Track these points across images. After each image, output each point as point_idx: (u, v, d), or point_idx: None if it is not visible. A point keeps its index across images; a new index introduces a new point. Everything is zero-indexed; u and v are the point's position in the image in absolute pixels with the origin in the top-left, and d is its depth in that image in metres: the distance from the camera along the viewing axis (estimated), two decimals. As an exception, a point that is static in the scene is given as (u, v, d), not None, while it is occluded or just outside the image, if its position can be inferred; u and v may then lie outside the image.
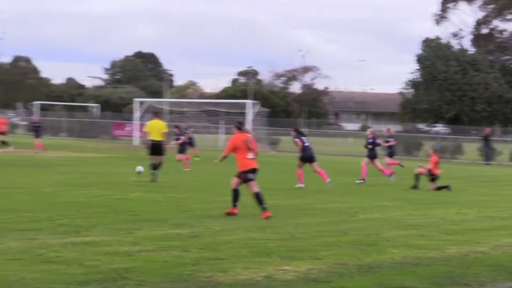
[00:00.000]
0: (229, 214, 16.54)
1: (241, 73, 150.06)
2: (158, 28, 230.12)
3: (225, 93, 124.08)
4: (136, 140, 66.09)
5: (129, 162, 36.79)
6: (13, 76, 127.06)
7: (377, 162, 29.65)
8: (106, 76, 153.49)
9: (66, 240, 12.29)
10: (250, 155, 16.69)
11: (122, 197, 19.72)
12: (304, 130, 35.38)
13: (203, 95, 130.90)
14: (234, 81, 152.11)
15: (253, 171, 16.67)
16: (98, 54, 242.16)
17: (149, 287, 9.29)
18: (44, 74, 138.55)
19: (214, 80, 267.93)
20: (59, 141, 52.70)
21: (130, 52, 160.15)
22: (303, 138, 25.84)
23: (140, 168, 26.24)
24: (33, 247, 11.47)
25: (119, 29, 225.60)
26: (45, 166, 31.06)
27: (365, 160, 29.51)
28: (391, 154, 33.46)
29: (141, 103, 69.89)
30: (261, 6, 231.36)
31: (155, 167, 25.10)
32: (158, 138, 25.22)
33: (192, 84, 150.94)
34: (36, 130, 43.83)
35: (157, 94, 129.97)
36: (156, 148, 25.17)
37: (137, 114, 67.60)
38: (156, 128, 25.39)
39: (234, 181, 16.83)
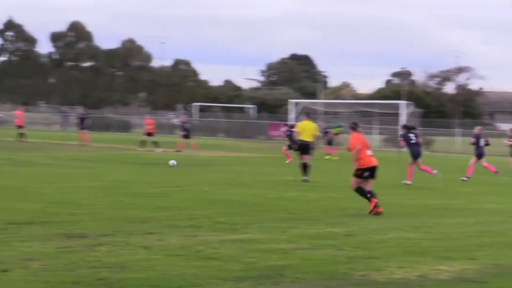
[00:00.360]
0: (375, 213, 16.33)
1: (394, 74, 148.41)
2: (313, 31, 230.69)
3: (379, 94, 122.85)
4: (291, 140, 66.47)
5: (284, 162, 37.06)
6: (174, 78, 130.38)
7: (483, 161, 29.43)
8: (262, 78, 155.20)
9: (224, 237, 12.49)
10: (369, 152, 17.05)
11: (278, 196, 19.87)
12: (455, 129, 34.61)
13: (357, 96, 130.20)
14: (388, 82, 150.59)
15: (372, 169, 16.91)
16: (255, 57, 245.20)
17: (304, 284, 9.31)
18: (202, 76, 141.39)
19: (368, 81, 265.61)
20: (217, 141, 53.78)
21: (285, 54, 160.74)
22: (410, 135, 25.97)
23: (172, 162, 29.68)
24: (192, 244, 11.71)
25: (275, 32, 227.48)
26: (203, 165, 31.70)
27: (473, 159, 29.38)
28: None
29: (296, 104, 70.28)
30: (414, 7, 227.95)
31: (305, 167, 25.17)
32: (308, 138, 25.43)
33: (346, 85, 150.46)
34: (186, 130, 44.81)
35: (311, 95, 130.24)
36: (305, 148, 25.37)
37: (292, 115, 68.06)
38: (308, 129, 25.64)
39: (353, 181, 17.01)
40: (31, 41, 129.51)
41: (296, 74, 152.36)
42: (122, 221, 13.76)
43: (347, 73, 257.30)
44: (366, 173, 16.86)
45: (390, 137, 65.00)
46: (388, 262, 10.84)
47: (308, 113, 27.13)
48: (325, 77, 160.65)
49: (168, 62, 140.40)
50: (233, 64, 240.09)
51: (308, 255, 11.12)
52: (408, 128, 26.61)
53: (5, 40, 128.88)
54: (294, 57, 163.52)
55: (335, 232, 13.54)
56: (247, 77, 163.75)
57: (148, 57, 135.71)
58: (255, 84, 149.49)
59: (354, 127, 17.72)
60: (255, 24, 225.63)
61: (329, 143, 41.65)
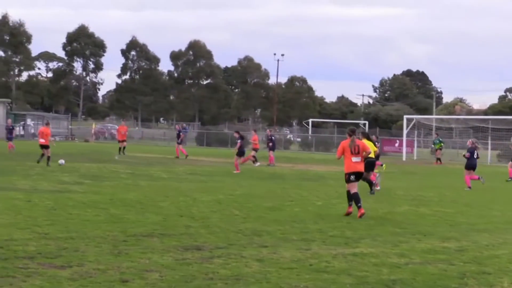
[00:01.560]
0: (347, 214, 17.77)
1: (509, 90, 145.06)
2: (428, 47, 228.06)
3: (493, 110, 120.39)
4: (405, 155, 65.73)
5: (397, 176, 36.70)
6: (289, 95, 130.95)
7: None
8: (375, 94, 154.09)
9: (336, 251, 12.44)
10: (354, 159, 17.92)
11: (389, 210, 19.68)
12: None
13: (470, 112, 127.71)
14: (502, 97, 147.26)
15: (356, 174, 17.89)
16: (369, 73, 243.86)
17: (415, 299, 9.18)
18: (317, 92, 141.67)
19: (482, 96, 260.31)
20: (330, 156, 53.68)
21: (399, 70, 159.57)
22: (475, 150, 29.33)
23: (61, 161, 33.53)
24: (305, 257, 11.70)
25: (390, 49, 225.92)
26: (316, 179, 31.66)
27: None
28: None
29: (409, 120, 69.44)
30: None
31: (369, 183, 25.17)
32: (372, 156, 25.24)
33: (459, 100, 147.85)
34: (272, 142, 44.68)
35: (425, 111, 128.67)
36: (370, 165, 25.31)
37: (405, 131, 67.28)
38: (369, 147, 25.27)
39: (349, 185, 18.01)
40: (153, 60, 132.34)
41: (409, 90, 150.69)
42: (236, 234, 13.87)
43: (462, 89, 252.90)
44: (352, 176, 17.95)
45: (504, 152, 63.43)
46: (502, 278, 10.59)
47: (365, 133, 27.25)
48: (439, 92, 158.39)
49: (283, 79, 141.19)
50: (347, 80, 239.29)
51: (420, 269, 10.96)
52: (472, 143, 27.25)
53: (127, 59, 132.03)
54: (408, 73, 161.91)
55: (446, 246, 13.31)
56: (361, 94, 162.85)
57: (264, 74, 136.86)
58: (368, 100, 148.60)
59: (350, 134, 18.23)
60: (370, 41, 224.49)
61: None
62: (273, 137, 45.06)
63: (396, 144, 72.25)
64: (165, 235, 13.43)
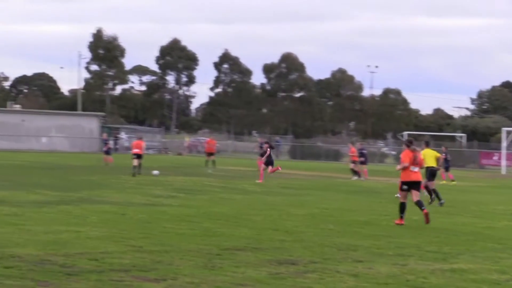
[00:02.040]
0: (398, 224, 18.32)
1: None
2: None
3: None
4: (504, 169, 64.40)
5: (496, 190, 36.00)
6: (383, 107, 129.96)
7: None
8: (472, 106, 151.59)
9: (434, 266, 12.28)
10: (412, 168, 18.75)
11: (488, 225, 19.33)
12: None
13: None
14: None
15: (411, 183, 18.72)
16: (465, 85, 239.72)
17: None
18: (412, 105, 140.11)
19: None
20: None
21: (497, 82, 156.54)
22: None
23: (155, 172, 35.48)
24: (401, 273, 11.59)
25: (486, 60, 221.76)
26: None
27: None
28: None
29: (509, 132, 68.03)
30: None
31: (435, 192, 26.12)
32: (434, 164, 26.93)
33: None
34: (364, 156, 43.82)
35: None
36: (433, 174, 26.84)
37: (504, 143, 65.94)
38: (430, 156, 26.85)
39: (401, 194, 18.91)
40: (246, 73, 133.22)
41: (509, 102, 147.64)
42: (331, 249, 13.83)
43: None
44: (405, 186, 18.77)
45: None
46: None
47: (427, 142, 28.62)
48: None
49: (377, 92, 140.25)
50: (443, 92, 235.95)
51: (522, 287, 10.73)
52: None
53: (220, 72, 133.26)
54: (508, 85, 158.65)
55: (549, 264, 12.98)
56: (458, 106, 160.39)
57: (358, 87, 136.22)
58: (466, 113, 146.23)
59: (408, 145, 19.29)
60: (466, 52, 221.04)
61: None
62: (364, 151, 44.62)
63: (495, 157, 70.89)
64: (259, 249, 13.49)
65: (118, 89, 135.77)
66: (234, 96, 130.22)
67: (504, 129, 69.40)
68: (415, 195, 18.80)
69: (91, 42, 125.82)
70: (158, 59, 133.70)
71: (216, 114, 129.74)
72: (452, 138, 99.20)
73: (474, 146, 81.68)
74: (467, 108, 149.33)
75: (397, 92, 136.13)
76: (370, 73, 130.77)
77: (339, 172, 49.37)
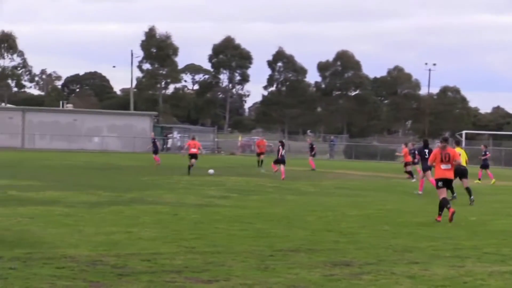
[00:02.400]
0: (437, 220, 19.12)
1: None
2: None
3: None
4: None
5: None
6: (441, 106, 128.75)
7: None
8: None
9: (492, 268, 12.17)
10: (443, 166, 19.64)
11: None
12: None
13: None
14: None
15: (444, 180, 19.61)
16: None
17: None
18: (471, 103, 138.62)
19: None
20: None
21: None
22: None
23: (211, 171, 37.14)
24: (459, 275, 11.51)
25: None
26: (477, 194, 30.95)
27: None
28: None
29: None
30: None
31: (468, 190, 26.79)
32: (464, 164, 27.35)
33: None
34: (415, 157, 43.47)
35: None
36: (462, 173, 26.77)
37: None
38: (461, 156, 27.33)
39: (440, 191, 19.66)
40: (300, 71, 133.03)
41: None
42: (386, 250, 13.79)
43: None
44: (440, 183, 19.63)
45: None
46: None
47: (458, 141, 31.01)
48: None
49: (435, 90, 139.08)
50: (503, 90, 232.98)
51: None
52: None
53: (274, 70, 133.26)
54: None
55: None
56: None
57: (415, 85, 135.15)
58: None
59: (442, 142, 20.33)
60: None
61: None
62: (415, 151, 44.06)
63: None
64: (313, 250, 13.50)
65: (171, 88, 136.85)
66: (288, 95, 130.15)
67: None
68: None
69: (143, 41, 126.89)
70: (211, 58, 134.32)
71: (269, 113, 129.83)
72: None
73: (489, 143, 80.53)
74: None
75: (456, 90, 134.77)
76: (428, 71, 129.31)
77: (394, 172, 48.98)
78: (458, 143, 29.45)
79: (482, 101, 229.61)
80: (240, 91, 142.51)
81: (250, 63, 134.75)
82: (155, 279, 10.46)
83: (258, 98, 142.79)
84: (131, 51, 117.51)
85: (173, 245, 13.50)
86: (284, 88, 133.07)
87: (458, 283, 10.84)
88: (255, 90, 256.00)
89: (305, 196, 26.82)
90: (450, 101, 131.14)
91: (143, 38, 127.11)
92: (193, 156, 38.75)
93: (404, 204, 24.59)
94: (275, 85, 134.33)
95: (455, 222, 19.24)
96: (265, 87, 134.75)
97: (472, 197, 26.16)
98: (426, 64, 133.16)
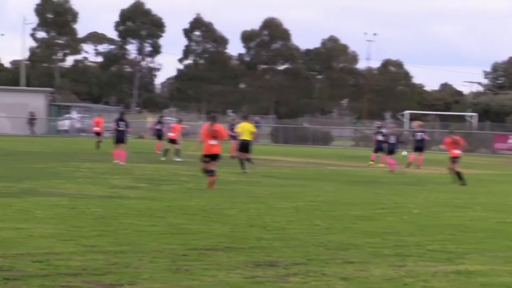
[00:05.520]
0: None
1: None
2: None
3: None
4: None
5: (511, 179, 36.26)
6: (382, 82, 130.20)
7: None
8: (486, 81, 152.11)
9: (436, 268, 12.36)
10: (212, 142, 25.27)
11: (502, 220, 19.46)
12: None
13: None
14: None
15: (210, 156, 25.33)
16: (478, 56, 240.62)
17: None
18: (416, 79, 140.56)
19: None
20: (431, 155, 53.05)
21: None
22: None
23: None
24: (399, 276, 11.66)
25: (504, 28, 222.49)
26: (411, 183, 31.46)
27: None
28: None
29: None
30: None
31: (242, 162, 33.53)
32: (248, 137, 34.09)
33: None
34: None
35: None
36: (246, 146, 33.90)
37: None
38: (247, 129, 34.10)
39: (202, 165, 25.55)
40: (221, 41, 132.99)
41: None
42: (317, 248, 13.90)
43: None
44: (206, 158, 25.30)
45: None
46: None
47: (246, 116, 37.62)
48: None
49: (376, 64, 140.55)
50: (452, 65, 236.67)
51: (537, 292, 10.84)
52: None
53: (191, 40, 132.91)
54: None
55: None
56: (469, 81, 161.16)
57: (353, 58, 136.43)
58: (478, 88, 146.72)
59: (210, 119, 26.47)
60: (480, 17, 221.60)
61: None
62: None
63: (510, 141, 71.30)
64: (233, 248, 13.53)
65: (70, 61, 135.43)
66: (207, 69, 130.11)
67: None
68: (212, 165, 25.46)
69: (38, 5, 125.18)
70: (117, 25, 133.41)
71: (185, 90, 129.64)
72: (461, 118, 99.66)
73: (486, 128, 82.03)
74: (479, 83, 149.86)
75: (399, 64, 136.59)
76: (367, 42, 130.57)
77: (329, 158, 49.51)
78: (245, 118, 36.38)
79: (428, 77, 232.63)
80: (150, 64, 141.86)
81: (163, 31, 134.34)
82: (48, 283, 10.35)
83: (172, 73, 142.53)
84: (23, 16, 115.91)
85: (70, 244, 13.38)
86: (202, 61, 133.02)
87: (398, 285, 10.99)
88: (168, 63, 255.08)
89: (226, 186, 26.84)
90: (393, 77, 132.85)
91: (38, 1, 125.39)
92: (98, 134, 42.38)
93: (339, 195, 24.81)
94: (191, 58, 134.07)
95: (396, 215, 19.52)
96: (180, 60, 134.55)
97: (244, 170, 32.88)
98: (365, 34, 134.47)
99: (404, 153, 42.36)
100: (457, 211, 21.15)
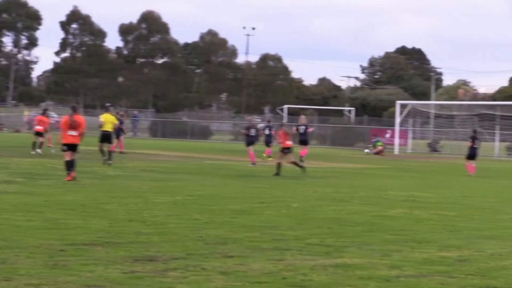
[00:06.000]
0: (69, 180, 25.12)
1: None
2: (426, 20, 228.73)
3: (502, 94, 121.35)
4: (397, 148, 66.06)
5: (388, 173, 36.93)
6: (261, 76, 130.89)
7: None
8: (363, 76, 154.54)
9: (315, 262, 12.47)
10: (72, 132, 25.69)
11: (380, 213, 19.77)
12: None
13: (475, 97, 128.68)
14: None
15: (69, 145, 25.64)
16: (356, 51, 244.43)
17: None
18: (294, 74, 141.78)
19: (489, 78, 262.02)
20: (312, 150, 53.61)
21: (391, 48, 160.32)
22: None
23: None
24: (278, 270, 11.72)
25: (381, 23, 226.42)
26: (292, 177, 31.72)
27: None
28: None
29: (404, 106, 69.80)
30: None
31: (103, 153, 34.70)
32: (109, 129, 35.09)
33: (463, 83, 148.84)
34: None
35: (422, 95, 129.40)
36: (107, 138, 34.92)
37: (398, 119, 67.60)
38: (109, 121, 35.19)
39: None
40: (99, 34, 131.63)
41: (404, 71, 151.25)
42: (196, 243, 13.88)
43: (466, 70, 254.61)
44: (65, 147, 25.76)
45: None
46: (510, 292, 10.72)
47: (108, 107, 38.69)
48: (439, 74, 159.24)
49: (254, 58, 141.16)
50: (330, 59, 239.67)
51: (413, 283, 11.05)
52: None
53: (68, 33, 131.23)
54: (403, 51, 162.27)
55: (445, 256, 13.41)
56: (346, 75, 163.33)
57: (232, 53, 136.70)
58: (355, 83, 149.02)
59: (72, 109, 27.12)
60: (358, 13, 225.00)
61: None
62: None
63: (387, 135, 72.64)
64: (111, 243, 13.41)
65: None
66: (84, 62, 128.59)
67: (399, 102, 71.15)
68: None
69: None
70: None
71: (62, 83, 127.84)
72: (340, 113, 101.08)
73: (364, 122, 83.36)
74: (356, 78, 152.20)
75: (277, 59, 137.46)
76: (246, 36, 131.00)
77: (208, 152, 49.54)
78: (107, 109, 37.84)
79: (307, 71, 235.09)
80: (27, 57, 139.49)
81: (39, 24, 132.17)
82: None
83: (49, 66, 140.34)
84: None
85: None
86: (79, 54, 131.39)
87: (277, 279, 11.04)
88: (45, 56, 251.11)
89: (104, 180, 26.64)
90: (271, 71, 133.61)
91: None
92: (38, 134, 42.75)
93: (218, 189, 24.85)
94: (69, 51, 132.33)
95: (275, 209, 19.65)
96: (57, 53, 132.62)
97: (110, 161, 33.85)
98: (244, 28, 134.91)
99: (367, 150, 43.41)
100: (335, 205, 21.41)
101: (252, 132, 39.39)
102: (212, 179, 29.21)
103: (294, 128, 40.54)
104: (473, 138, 38.14)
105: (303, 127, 43.72)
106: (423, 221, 18.46)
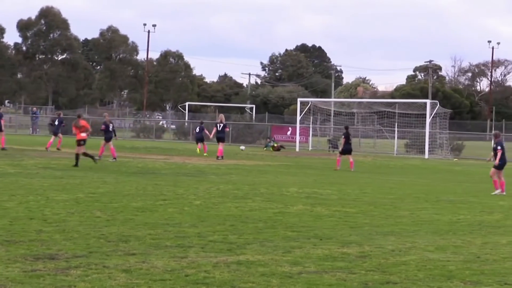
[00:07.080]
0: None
1: (418, 69, 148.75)
2: (326, 18, 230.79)
3: (401, 92, 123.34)
4: (298, 146, 66.54)
5: (290, 171, 37.17)
6: (162, 73, 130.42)
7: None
8: (264, 73, 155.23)
9: (217, 259, 12.50)
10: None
11: (282, 210, 19.90)
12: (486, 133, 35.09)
13: (375, 94, 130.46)
14: (411, 77, 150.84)
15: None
16: (256, 49, 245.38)
17: (310, 314, 9.32)
18: (196, 71, 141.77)
19: (388, 76, 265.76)
20: (210, 146, 53.65)
21: (292, 45, 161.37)
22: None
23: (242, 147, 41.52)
24: (180, 267, 11.72)
25: (281, 20, 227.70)
26: (194, 174, 31.72)
27: None
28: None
29: (304, 103, 70.30)
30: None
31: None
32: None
33: (362, 81, 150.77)
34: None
35: (323, 93, 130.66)
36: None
37: (299, 117, 68.07)
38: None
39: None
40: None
41: (304, 69, 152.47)
42: (98, 240, 13.79)
43: (365, 68, 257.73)
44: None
45: (413, 142, 65.09)
46: (409, 287, 10.87)
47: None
48: (339, 71, 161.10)
49: (155, 55, 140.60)
50: (231, 57, 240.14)
51: (315, 279, 11.14)
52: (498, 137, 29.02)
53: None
54: (303, 49, 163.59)
55: (346, 252, 13.57)
56: (247, 72, 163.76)
57: (132, 49, 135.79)
58: (256, 80, 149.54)
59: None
60: (258, 10, 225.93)
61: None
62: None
63: (288, 132, 73.19)
64: (11, 242, 13.24)
65: None
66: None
67: (300, 99, 71.64)
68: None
69: None
70: None
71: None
72: (241, 110, 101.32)
73: (264, 119, 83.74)
74: (257, 75, 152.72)
75: (178, 56, 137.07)
76: (147, 33, 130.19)
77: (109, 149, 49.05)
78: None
79: (208, 69, 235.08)
80: None
81: None
82: None
83: None
84: None
85: None
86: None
87: (180, 276, 11.03)
88: None
89: (4, 178, 26.23)
90: (172, 68, 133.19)
91: None
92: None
93: (119, 187, 24.69)
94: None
95: (178, 206, 19.63)
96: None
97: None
98: (145, 25, 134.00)
99: (242, 147, 44.53)
100: (237, 202, 21.48)
101: (110, 128, 40.77)
102: (114, 176, 29.00)
103: (214, 128, 44.94)
104: (346, 135, 40.51)
105: (221, 124, 45.42)
106: (324, 218, 18.65)
